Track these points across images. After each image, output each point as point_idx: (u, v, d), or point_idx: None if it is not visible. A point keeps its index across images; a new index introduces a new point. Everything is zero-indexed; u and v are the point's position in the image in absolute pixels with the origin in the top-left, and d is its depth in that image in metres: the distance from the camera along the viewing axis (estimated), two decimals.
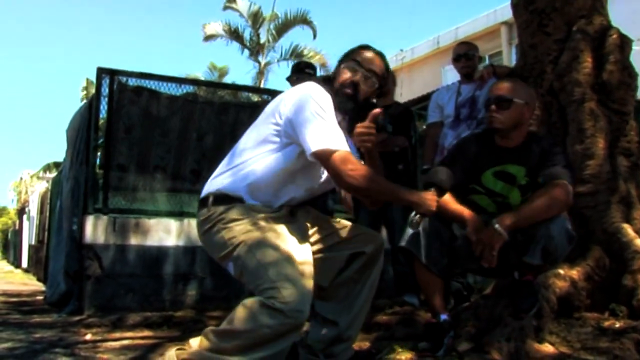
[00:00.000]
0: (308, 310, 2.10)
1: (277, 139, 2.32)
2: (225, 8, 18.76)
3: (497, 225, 2.71)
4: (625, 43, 3.59)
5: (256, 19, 18.54)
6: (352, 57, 2.52)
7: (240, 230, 2.25)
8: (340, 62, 2.54)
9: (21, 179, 33.44)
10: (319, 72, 17.52)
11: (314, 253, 2.39)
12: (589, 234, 3.39)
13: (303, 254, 2.24)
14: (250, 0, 18.56)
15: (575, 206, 3.43)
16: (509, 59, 13.38)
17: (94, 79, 5.59)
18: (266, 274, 2.11)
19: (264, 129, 2.35)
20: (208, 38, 19.28)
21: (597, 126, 3.42)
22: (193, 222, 5.45)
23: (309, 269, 2.20)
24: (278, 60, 18.91)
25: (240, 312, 2.09)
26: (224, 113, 5.84)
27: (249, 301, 2.10)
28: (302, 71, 4.85)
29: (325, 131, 2.22)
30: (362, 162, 2.41)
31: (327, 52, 18.71)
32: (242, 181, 2.31)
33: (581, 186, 3.37)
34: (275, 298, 2.04)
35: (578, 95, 3.48)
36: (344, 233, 2.54)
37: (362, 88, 2.47)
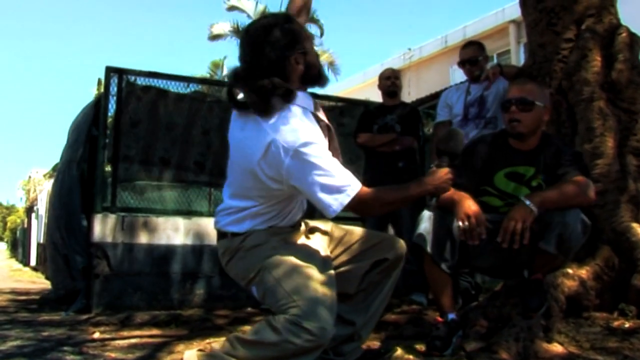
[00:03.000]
0: (332, 330, 2.12)
1: (279, 187, 2.23)
2: (231, 8, 18.81)
3: (527, 202, 2.70)
4: (634, 42, 3.58)
5: None
6: (291, 46, 2.26)
7: (260, 255, 2.27)
8: (281, 58, 2.25)
9: (30, 177, 33.61)
10: (327, 71, 17.51)
11: (337, 265, 2.43)
12: (597, 233, 3.37)
13: (324, 270, 2.26)
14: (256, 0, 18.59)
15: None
16: (517, 57, 13.36)
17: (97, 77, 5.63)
18: (289, 296, 2.13)
19: (258, 178, 2.22)
20: (215, 37, 19.32)
21: (606, 125, 3.41)
22: (201, 221, 5.48)
23: (331, 286, 2.21)
24: None
25: (266, 325, 2.11)
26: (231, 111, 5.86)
27: (274, 318, 2.12)
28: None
29: (331, 186, 2.15)
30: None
31: (334, 50, 18.66)
32: (254, 222, 2.32)
33: None
34: (299, 316, 2.05)
35: (587, 94, 3.47)
36: (364, 242, 2.55)
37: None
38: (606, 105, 3.47)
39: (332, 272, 2.30)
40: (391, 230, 5.02)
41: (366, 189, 2.23)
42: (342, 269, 2.47)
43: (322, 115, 2.36)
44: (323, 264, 2.29)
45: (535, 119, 2.89)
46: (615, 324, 2.94)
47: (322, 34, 18.60)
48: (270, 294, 2.21)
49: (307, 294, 2.11)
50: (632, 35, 3.60)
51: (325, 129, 2.33)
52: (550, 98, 3.48)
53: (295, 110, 2.21)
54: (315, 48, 2.42)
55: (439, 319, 3.01)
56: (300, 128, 2.16)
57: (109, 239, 5.22)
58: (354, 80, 17.81)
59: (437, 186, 2.34)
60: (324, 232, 2.54)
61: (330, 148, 2.30)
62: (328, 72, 17.50)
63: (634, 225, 3.29)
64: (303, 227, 2.45)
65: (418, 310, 4.08)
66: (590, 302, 3.16)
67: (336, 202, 2.15)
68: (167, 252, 5.38)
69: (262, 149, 2.16)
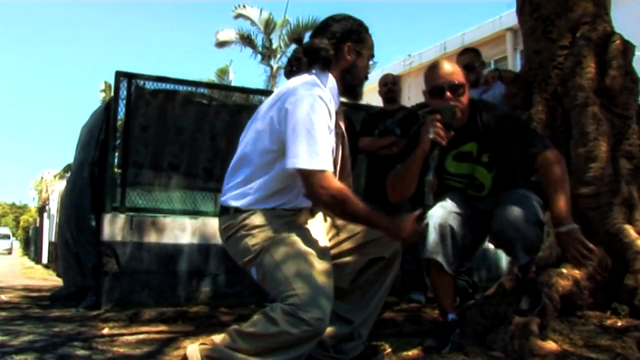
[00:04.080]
0: (329, 318, 2.17)
1: (277, 147, 2.31)
2: (237, 16, 18.87)
3: (566, 227, 2.75)
4: (628, 49, 3.64)
5: (268, 25, 18.63)
6: (354, 38, 2.47)
7: (262, 237, 2.29)
8: (341, 39, 2.45)
9: (42, 178, 33.77)
10: None
11: (334, 256, 2.44)
12: (591, 234, 3.43)
13: (323, 260, 2.29)
14: (260, 7, 18.68)
15: (578, 207, 3.50)
16: (514, 64, 13.43)
17: (111, 81, 5.73)
18: (288, 283, 2.17)
19: (265, 137, 2.33)
20: (221, 44, 19.38)
21: (600, 130, 3.48)
22: (207, 221, 5.59)
23: (329, 275, 2.26)
24: None
25: (263, 317, 2.17)
26: (238, 114, 5.95)
27: (271, 308, 2.17)
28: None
29: (309, 148, 2.20)
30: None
31: None
32: (256, 196, 2.33)
33: (584, 188, 3.43)
34: (297, 306, 2.10)
35: (581, 100, 3.54)
36: (362, 236, 2.55)
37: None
38: (600, 111, 3.53)
39: (330, 263, 2.33)
40: None
41: (340, 183, 2.29)
42: (343, 258, 2.50)
43: (340, 121, 2.46)
44: (323, 252, 2.32)
45: (467, 98, 2.89)
46: (608, 322, 3.01)
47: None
48: (270, 278, 2.25)
49: (306, 282, 2.16)
50: (625, 42, 3.65)
51: (340, 137, 2.43)
52: (542, 101, 3.60)
53: (324, 82, 2.37)
54: (370, 71, 2.58)
55: (439, 318, 3.06)
56: (313, 88, 2.29)
57: (118, 238, 5.34)
58: None
59: (400, 230, 2.38)
60: (327, 219, 2.56)
61: (339, 154, 2.41)
62: None
63: (627, 227, 3.36)
64: (305, 212, 2.45)
65: (416, 308, 4.14)
66: (584, 301, 3.22)
67: (300, 162, 2.19)
68: (174, 251, 5.49)
69: (279, 94, 2.33)
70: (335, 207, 2.29)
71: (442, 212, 2.92)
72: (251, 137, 2.40)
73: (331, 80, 2.41)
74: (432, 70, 2.90)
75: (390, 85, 5.13)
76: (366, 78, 2.56)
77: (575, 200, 3.51)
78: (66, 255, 6.27)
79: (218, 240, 5.32)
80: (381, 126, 5.03)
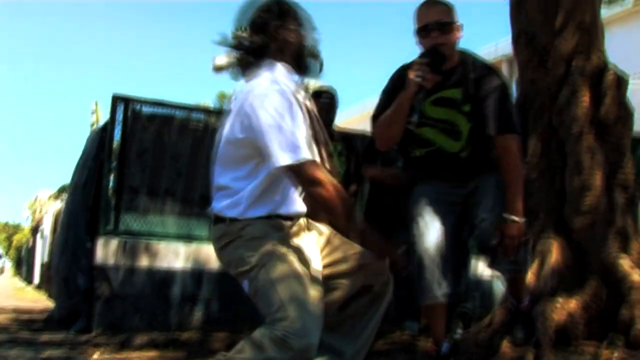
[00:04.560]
0: (316, 345, 2.12)
1: (254, 153, 2.24)
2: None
3: (512, 217, 2.73)
4: (621, 81, 3.68)
5: None
6: (274, 15, 2.35)
7: (259, 250, 2.22)
8: (263, 23, 2.35)
9: (36, 198, 33.72)
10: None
11: (325, 277, 2.35)
12: (586, 265, 3.45)
13: (316, 284, 2.24)
14: None
15: (573, 238, 3.51)
16: (510, 92, 13.50)
17: (103, 102, 5.76)
18: (281, 305, 2.11)
19: (239, 146, 2.27)
20: (218, 69, 19.47)
21: (595, 160, 3.50)
22: (201, 246, 5.56)
23: (320, 301, 2.21)
24: None
25: (250, 342, 2.12)
26: None
27: (260, 332, 2.12)
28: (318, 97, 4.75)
29: (286, 143, 2.13)
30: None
31: (334, 82, 18.73)
32: (247, 202, 2.26)
33: (579, 218, 3.45)
34: (288, 332, 2.05)
35: (576, 130, 3.56)
36: (355, 260, 2.44)
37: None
38: (595, 141, 3.55)
39: (322, 286, 2.26)
40: None
41: (329, 174, 2.21)
42: (334, 281, 2.40)
43: (306, 101, 2.37)
44: (316, 275, 2.26)
45: (455, 38, 2.79)
46: (604, 353, 3.01)
47: (321, 69, 18.65)
48: (263, 295, 2.18)
49: (300, 307, 2.10)
50: (619, 75, 3.70)
51: (313, 119, 2.35)
52: (537, 131, 3.61)
53: (276, 73, 2.29)
54: (312, 40, 2.44)
55: (432, 347, 3.03)
56: (270, 84, 2.22)
57: (111, 262, 5.31)
58: (353, 112, 17.91)
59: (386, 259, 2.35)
60: (322, 235, 2.46)
61: (318, 136, 2.33)
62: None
63: (622, 258, 3.37)
64: (303, 225, 2.37)
65: (410, 338, 4.12)
66: (579, 332, 3.22)
67: (283, 159, 2.12)
68: (167, 276, 5.46)
69: (238, 101, 2.28)
70: (319, 199, 2.21)
71: (426, 236, 2.84)
72: (225, 150, 2.33)
73: (280, 68, 2.34)
74: (420, 9, 2.81)
75: None
76: (312, 49, 2.45)
77: (570, 230, 3.52)
78: (59, 278, 6.23)
79: (211, 265, 5.38)
80: (385, 154, 4.86)
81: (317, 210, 2.38)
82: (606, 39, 3.90)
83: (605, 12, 5.42)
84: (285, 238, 2.27)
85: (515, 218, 2.71)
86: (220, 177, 2.34)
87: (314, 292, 2.20)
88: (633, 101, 3.76)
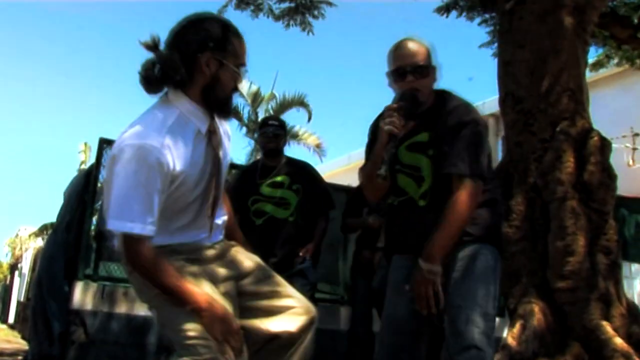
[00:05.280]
0: None
1: None
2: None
3: (427, 266, 2.27)
4: (605, 145, 3.74)
5: (255, 98, 18.88)
6: (213, 45, 1.96)
7: None
8: (197, 49, 1.95)
9: (17, 235, 33.31)
10: (312, 153, 17.52)
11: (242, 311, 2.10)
12: (568, 329, 3.44)
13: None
14: (250, 80, 18.96)
15: (555, 301, 3.50)
16: (496, 149, 13.63)
17: (92, 143, 5.73)
18: (185, 333, 1.92)
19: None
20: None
21: (578, 224, 3.52)
22: None
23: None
24: None
25: None
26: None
27: None
28: (265, 125, 4.21)
29: (122, 205, 1.90)
30: None
31: (320, 134, 18.82)
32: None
33: (561, 282, 3.45)
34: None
35: (560, 194, 3.60)
36: (270, 298, 2.17)
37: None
38: (578, 205, 3.59)
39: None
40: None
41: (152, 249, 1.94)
42: (245, 320, 2.10)
43: (215, 145, 2.07)
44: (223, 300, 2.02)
45: (432, 81, 2.50)
46: None
47: (309, 118, 18.80)
48: (167, 326, 2.02)
49: (201, 336, 1.91)
50: (602, 139, 3.76)
51: (215, 164, 2.07)
52: (522, 193, 3.61)
53: (168, 113, 1.95)
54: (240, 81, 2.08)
55: None
56: (138, 152, 1.87)
57: (89, 307, 5.20)
58: (339, 163, 18.04)
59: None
60: (236, 263, 2.18)
61: (212, 183, 2.06)
62: (313, 155, 17.53)
63: (604, 323, 3.36)
64: (213, 251, 2.13)
65: None
66: None
67: (120, 223, 1.89)
68: (144, 323, 5.35)
69: (113, 149, 1.96)
70: (146, 276, 1.96)
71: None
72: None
73: (186, 104, 1.99)
74: (394, 50, 2.54)
75: None
76: (235, 89, 2.12)
77: (552, 293, 3.52)
78: (34, 320, 6.11)
79: None
80: (373, 204, 4.68)
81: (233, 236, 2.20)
82: (591, 101, 3.98)
83: (590, 74, 5.55)
84: (184, 264, 2.04)
85: (422, 263, 2.28)
86: None
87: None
88: (618, 161, 3.81)
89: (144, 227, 1.91)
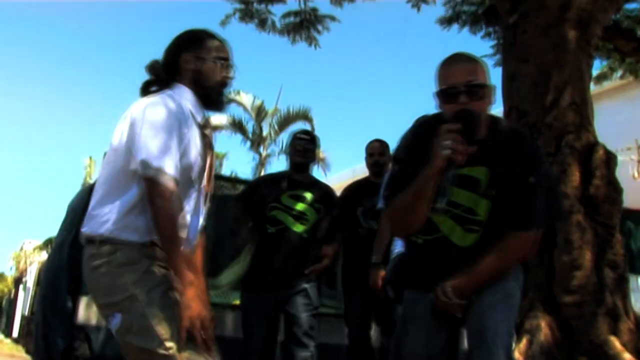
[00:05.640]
0: None
1: (129, 163, 2.04)
2: (229, 101, 19.23)
3: (457, 300, 2.07)
4: (610, 159, 3.73)
5: (259, 112, 18.93)
6: (190, 46, 2.22)
7: (130, 279, 1.98)
8: (176, 52, 2.20)
9: (22, 248, 33.36)
10: (317, 167, 17.55)
11: None
12: (575, 344, 3.41)
13: None
14: (254, 94, 19.01)
15: (562, 316, 3.48)
16: None
17: (96, 157, 5.74)
18: (162, 338, 1.90)
19: (117, 158, 2.08)
20: (213, 129, 19.67)
21: (584, 238, 3.51)
22: None
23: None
24: (278, 154, 18.98)
25: None
26: (223, 206, 5.89)
27: None
28: (296, 138, 4.05)
29: (158, 146, 1.99)
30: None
31: (324, 148, 18.87)
32: (116, 219, 2.01)
33: (568, 296, 3.43)
34: None
35: (566, 208, 3.58)
36: None
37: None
38: (584, 219, 3.57)
39: None
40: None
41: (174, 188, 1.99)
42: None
43: (209, 132, 2.24)
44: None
45: (487, 104, 2.16)
46: None
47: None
48: (142, 331, 1.96)
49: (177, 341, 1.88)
50: (608, 152, 3.75)
51: (209, 147, 2.23)
52: None
53: (172, 97, 2.12)
54: (227, 74, 2.24)
55: None
56: (159, 101, 2.06)
57: (93, 322, 5.20)
58: (343, 177, 18.11)
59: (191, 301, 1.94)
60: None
61: (207, 165, 2.19)
62: (318, 168, 17.53)
63: (612, 338, 3.34)
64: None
65: None
66: None
67: (148, 155, 1.95)
68: None
69: (129, 112, 2.09)
70: (165, 217, 1.98)
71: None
72: (106, 168, 2.13)
73: (186, 93, 2.18)
74: (445, 65, 2.19)
75: (377, 157, 4.22)
76: (224, 81, 2.24)
77: (559, 308, 3.49)
78: (38, 335, 6.10)
79: None
80: (367, 204, 4.42)
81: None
82: (596, 113, 3.97)
83: (594, 87, 5.55)
84: (154, 264, 2.03)
85: (451, 295, 2.08)
86: (96, 193, 2.12)
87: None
88: (623, 174, 3.80)
89: (173, 167, 2.00)
